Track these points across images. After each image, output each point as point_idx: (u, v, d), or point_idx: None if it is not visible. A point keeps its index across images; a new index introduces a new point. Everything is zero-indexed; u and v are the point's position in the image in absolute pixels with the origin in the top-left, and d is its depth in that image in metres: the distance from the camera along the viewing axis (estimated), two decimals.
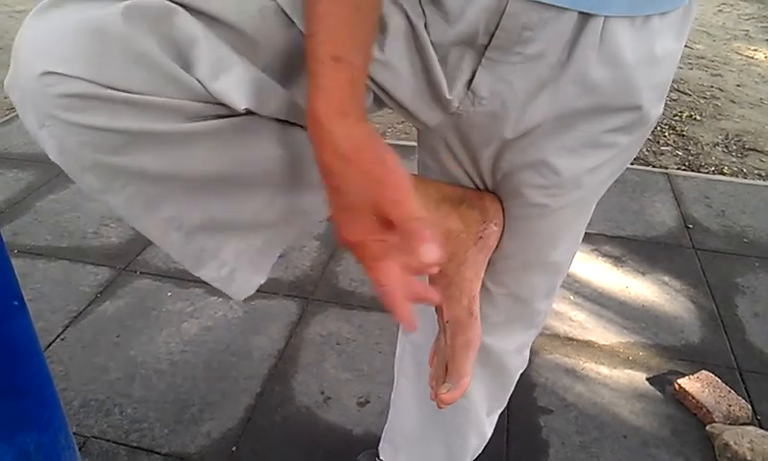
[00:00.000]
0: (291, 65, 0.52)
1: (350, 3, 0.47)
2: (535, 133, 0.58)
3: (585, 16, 0.51)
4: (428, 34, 0.54)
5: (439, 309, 0.67)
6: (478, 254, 0.65)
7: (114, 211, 0.52)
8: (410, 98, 0.58)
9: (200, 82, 0.46)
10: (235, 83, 0.47)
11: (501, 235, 0.67)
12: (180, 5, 0.46)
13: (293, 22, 0.50)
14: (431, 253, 0.45)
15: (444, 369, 0.66)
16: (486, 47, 0.54)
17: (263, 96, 0.49)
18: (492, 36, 0.52)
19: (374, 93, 0.57)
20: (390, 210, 0.46)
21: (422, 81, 0.56)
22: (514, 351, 0.83)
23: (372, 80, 0.55)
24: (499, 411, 0.95)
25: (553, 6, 0.50)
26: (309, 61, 0.48)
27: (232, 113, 0.49)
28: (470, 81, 0.56)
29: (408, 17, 0.53)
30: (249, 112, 0.49)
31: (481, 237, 0.65)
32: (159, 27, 0.45)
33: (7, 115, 2.79)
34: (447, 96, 0.57)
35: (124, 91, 0.44)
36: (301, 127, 0.54)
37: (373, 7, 0.49)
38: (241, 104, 0.48)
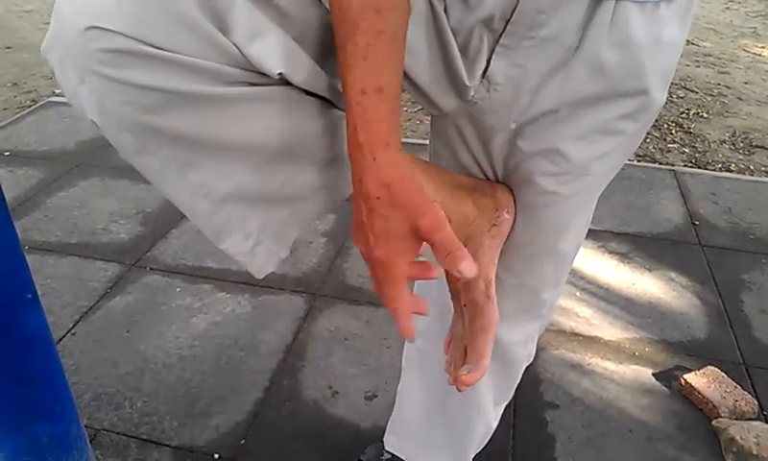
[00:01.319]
0: (320, 42, 0.53)
1: (389, 35, 0.49)
2: (547, 120, 0.59)
3: (597, 0, 0.53)
4: (447, 18, 0.55)
5: (456, 295, 0.68)
6: (492, 240, 0.66)
7: (145, 175, 0.53)
8: (428, 81, 0.59)
9: (236, 46, 0.47)
10: (270, 47, 0.48)
11: (513, 224, 0.68)
12: None
13: (320, 1, 0.51)
14: (471, 269, 0.51)
15: (461, 354, 0.66)
16: (501, 33, 0.55)
17: (296, 63, 0.50)
18: (508, 21, 0.54)
19: None
20: (431, 235, 0.51)
21: (441, 64, 0.58)
22: (520, 343, 0.84)
23: None
24: (505, 403, 0.95)
25: None
26: (350, 93, 0.49)
27: (266, 82, 0.50)
28: (486, 69, 0.58)
29: (429, 0, 0.54)
30: (282, 80, 0.50)
31: (495, 224, 0.66)
32: None
33: (17, 114, 2.81)
34: (467, 83, 0.57)
35: (164, 50, 0.45)
36: (328, 102, 0.55)
37: (405, 35, 0.51)
38: (276, 68, 0.49)
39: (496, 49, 0.56)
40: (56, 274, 1.78)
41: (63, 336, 1.56)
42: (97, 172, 2.32)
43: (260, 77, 0.50)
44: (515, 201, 0.67)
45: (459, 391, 0.65)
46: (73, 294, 1.71)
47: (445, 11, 0.55)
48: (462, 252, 0.51)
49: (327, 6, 0.51)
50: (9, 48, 3.70)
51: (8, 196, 0.78)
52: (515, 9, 0.53)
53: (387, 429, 1.11)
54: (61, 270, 1.80)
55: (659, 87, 0.60)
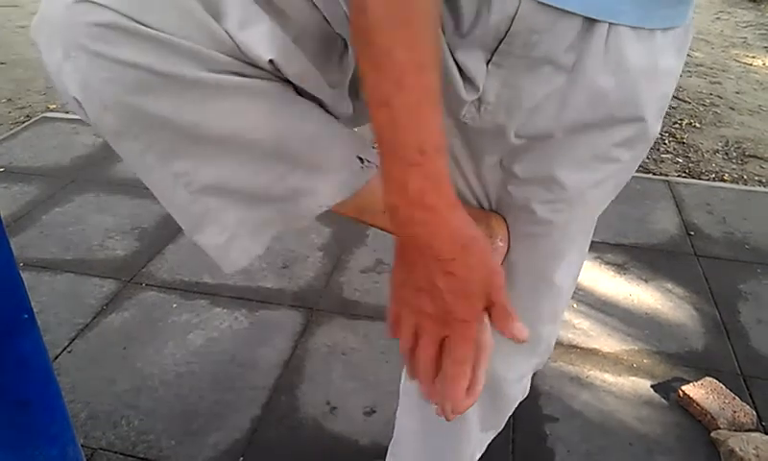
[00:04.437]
0: (318, 47, 0.52)
1: (435, 91, 0.46)
2: (541, 145, 0.59)
3: (590, 22, 0.52)
4: (443, 32, 0.55)
5: None
6: None
7: (125, 160, 0.52)
8: None
9: (227, 33, 0.47)
10: (261, 34, 0.48)
11: (507, 255, 0.67)
12: None
13: (316, 6, 0.51)
14: (524, 332, 0.51)
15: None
16: (494, 52, 0.55)
17: (288, 54, 0.50)
18: (501, 41, 0.54)
19: None
20: (497, 294, 0.51)
21: None
22: (514, 381, 0.82)
23: None
24: (494, 432, 0.95)
25: (561, 9, 0.51)
26: (403, 153, 0.46)
27: (257, 75, 0.49)
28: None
29: None
30: (273, 76, 0.50)
31: None
32: None
33: (11, 130, 2.81)
34: (464, 97, 0.57)
35: (154, 29, 0.45)
36: (320, 104, 0.55)
37: (441, 92, 0.48)
38: (266, 54, 0.48)
39: (489, 67, 0.56)
40: (51, 291, 1.77)
41: (59, 354, 1.55)
42: (92, 188, 2.32)
43: (251, 69, 0.49)
44: (508, 230, 0.67)
45: (447, 420, 0.63)
46: (69, 311, 1.70)
47: (441, 27, 0.55)
48: (514, 313, 0.51)
49: (323, 12, 0.51)
50: (3, 64, 3.70)
51: (2, 213, 0.78)
52: (508, 29, 0.53)
53: (388, 451, 1.10)
54: (57, 287, 1.79)
55: (654, 117, 0.60)
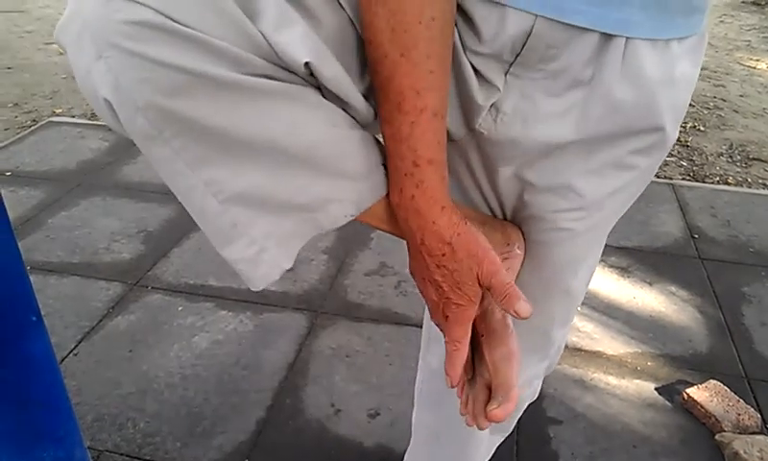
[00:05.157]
0: (342, 49, 0.52)
1: (431, 112, 0.51)
2: (559, 156, 0.59)
3: (607, 37, 0.53)
4: (462, 43, 0.55)
5: (473, 328, 0.65)
6: (505, 272, 0.65)
7: (155, 166, 0.51)
8: None
9: (262, 34, 0.46)
10: (297, 37, 0.47)
11: (522, 263, 0.67)
12: None
13: (342, 7, 0.51)
14: (526, 308, 0.56)
15: (483, 391, 0.64)
16: (511, 64, 0.55)
17: (323, 57, 0.49)
18: (518, 54, 0.54)
19: None
20: (490, 279, 0.56)
21: (453, 86, 0.57)
22: (525, 383, 0.82)
23: None
24: (502, 436, 0.95)
25: (577, 26, 0.52)
26: (401, 164, 0.53)
27: (291, 80, 0.49)
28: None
29: None
30: (307, 81, 0.50)
31: (506, 258, 0.65)
32: None
33: (18, 134, 2.83)
34: (481, 102, 0.57)
35: (190, 28, 0.43)
36: (349, 114, 0.55)
37: (446, 109, 0.54)
38: (302, 57, 0.47)
39: (507, 78, 0.56)
40: (58, 294, 1.79)
41: (66, 357, 1.56)
42: (98, 191, 2.33)
43: (284, 73, 0.48)
44: (525, 238, 0.67)
45: (481, 428, 0.63)
46: (75, 314, 1.71)
47: (459, 35, 0.55)
48: (517, 292, 0.56)
49: (349, 13, 0.51)
50: (10, 69, 3.73)
51: (9, 216, 0.78)
52: (525, 44, 0.53)
53: (405, 459, 1.10)
54: (64, 290, 1.81)
55: (672, 124, 0.60)
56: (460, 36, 0.55)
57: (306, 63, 0.48)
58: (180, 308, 1.74)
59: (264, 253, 0.55)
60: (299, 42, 0.47)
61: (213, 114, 0.46)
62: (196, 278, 1.87)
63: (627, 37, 0.53)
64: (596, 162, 0.60)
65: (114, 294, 1.79)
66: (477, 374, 0.65)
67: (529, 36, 0.52)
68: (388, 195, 0.57)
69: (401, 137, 0.52)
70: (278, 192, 0.53)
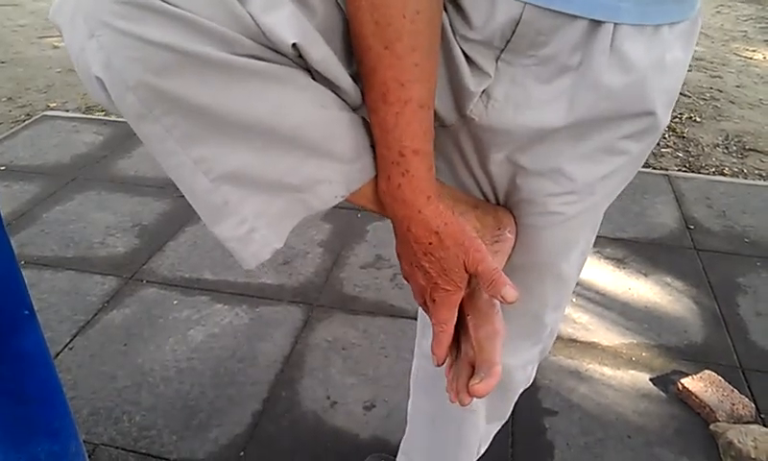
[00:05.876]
0: (335, 35, 0.53)
1: (416, 103, 0.52)
2: (550, 140, 0.59)
3: (595, 23, 0.53)
4: (452, 29, 0.55)
5: (459, 307, 0.66)
6: (495, 256, 0.65)
7: (146, 144, 0.52)
8: None
9: (251, 15, 0.47)
10: (285, 18, 0.48)
11: (514, 246, 0.68)
12: None
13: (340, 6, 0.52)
14: (512, 293, 0.57)
15: (467, 369, 0.65)
16: (502, 51, 0.55)
17: (310, 40, 0.50)
18: (509, 41, 0.54)
19: None
20: (476, 267, 0.58)
21: (444, 72, 0.57)
22: (519, 367, 0.83)
23: None
24: (499, 423, 0.95)
25: (565, 13, 0.52)
26: (388, 154, 0.54)
27: (280, 61, 0.49)
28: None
29: None
30: (296, 63, 0.50)
31: (497, 241, 0.65)
32: None
33: (12, 128, 2.82)
34: (472, 88, 0.57)
35: (181, 8, 0.45)
36: (339, 96, 0.55)
37: (433, 100, 0.54)
38: (290, 38, 0.48)
39: (498, 65, 0.56)
40: (52, 288, 1.78)
41: (61, 351, 1.56)
42: (93, 185, 2.33)
43: (273, 54, 0.49)
44: (516, 222, 0.67)
45: (463, 404, 0.64)
46: (70, 308, 1.71)
47: (450, 22, 0.55)
48: (503, 278, 0.57)
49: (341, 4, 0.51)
50: (3, 63, 3.71)
51: (3, 211, 0.78)
52: (514, 31, 0.53)
53: (400, 449, 1.11)
54: (58, 284, 1.80)
55: (664, 109, 0.60)
56: (450, 22, 0.55)
57: (294, 45, 0.48)
58: (175, 302, 1.74)
59: (255, 232, 0.56)
60: (285, 24, 0.48)
61: (202, 93, 0.47)
62: (191, 271, 1.86)
63: (615, 23, 0.53)
64: (587, 147, 0.60)
65: (109, 288, 1.79)
66: (462, 351, 0.66)
67: (518, 23, 0.52)
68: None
69: (387, 127, 0.53)
70: (268, 172, 0.53)
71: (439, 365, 0.64)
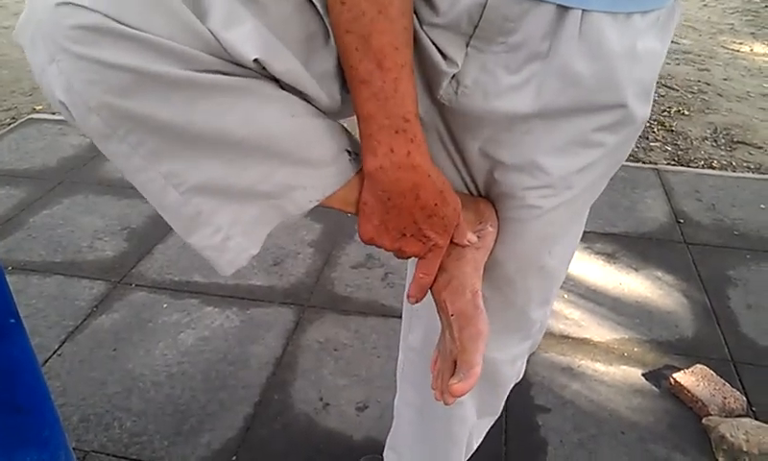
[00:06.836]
0: (301, 39, 0.53)
1: (409, 67, 0.52)
2: (523, 131, 0.59)
3: (563, 9, 0.53)
4: (418, 16, 0.56)
5: (442, 307, 0.67)
6: (476, 252, 0.66)
7: (114, 162, 0.52)
8: None
9: (211, 32, 0.47)
10: (246, 34, 0.48)
11: (496, 240, 0.68)
12: None
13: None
14: (471, 237, 0.64)
15: (450, 367, 0.66)
16: (471, 36, 0.55)
17: (274, 52, 0.50)
18: (476, 27, 0.54)
19: None
20: (459, 218, 0.62)
21: (414, 60, 0.57)
22: (507, 361, 0.83)
23: None
24: (491, 419, 0.95)
25: None
26: (389, 122, 0.53)
27: (243, 73, 0.50)
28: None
29: None
30: (259, 73, 0.50)
31: (479, 236, 0.66)
32: None
33: None
34: (444, 69, 0.57)
35: (138, 30, 0.45)
36: (306, 101, 0.56)
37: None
38: (251, 54, 0.49)
39: (468, 51, 0.56)
40: (40, 294, 1.76)
41: (49, 357, 1.54)
42: (80, 189, 2.30)
43: (236, 68, 0.49)
44: (497, 215, 0.67)
45: (447, 404, 0.64)
46: (58, 313, 1.69)
47: (415, 11, 0.55)
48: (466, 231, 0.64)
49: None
50: None
51: None
52: (481, 16, 0.53)
53: (386, 444, 1.10)
54: (46, 289, 1.78)
55: (638, 100, 0.59)
56: (416, 10, 0.55)
57: (255, 60, 0.49)
58: (164, 305, 1.72)
59: (230, 240, 0.57)
60: (247, 39, 0.48)
61: (164, 110, 0.48)
62: (180, 274, 1.85)
63: (584, 10, 0.53)
64: (560, 139, 0.60)
65: (98, 292, 1.77)
66: (447, 349, 0.67)
67: (485, 7, 0.53)
68: (359, 172, 0.58)
69: (386, 95, 0.52)
70: (239, 182, 0.54)
71: (415, 303, 0.66)
